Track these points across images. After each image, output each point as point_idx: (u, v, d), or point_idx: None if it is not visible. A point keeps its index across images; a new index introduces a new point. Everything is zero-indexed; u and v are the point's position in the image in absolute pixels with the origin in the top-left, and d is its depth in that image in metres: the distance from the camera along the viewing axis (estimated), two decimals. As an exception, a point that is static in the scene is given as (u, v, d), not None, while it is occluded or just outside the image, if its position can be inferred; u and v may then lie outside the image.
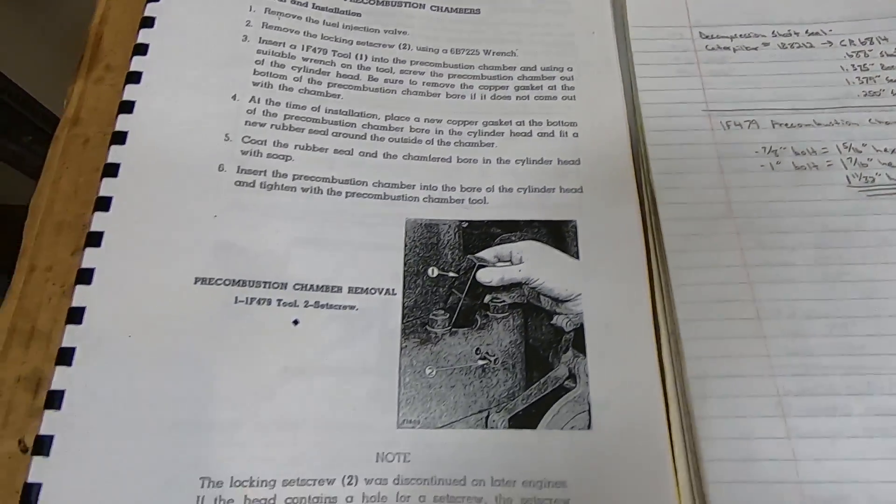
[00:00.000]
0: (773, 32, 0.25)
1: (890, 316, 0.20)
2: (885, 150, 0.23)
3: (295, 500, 0.18)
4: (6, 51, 0.54)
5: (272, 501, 0.17)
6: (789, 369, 0.20)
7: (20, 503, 0.17)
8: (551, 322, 0.20)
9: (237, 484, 0.17)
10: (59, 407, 0.18)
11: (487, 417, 0.19)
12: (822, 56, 0.25)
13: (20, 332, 0.22)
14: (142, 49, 0.22)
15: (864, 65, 0.24)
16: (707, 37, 0.25)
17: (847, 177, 0.22)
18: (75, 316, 0.18)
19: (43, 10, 0.58)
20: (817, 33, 0.25)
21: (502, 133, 0.23)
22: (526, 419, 0.19)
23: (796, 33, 0.25)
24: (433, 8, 0.25)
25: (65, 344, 0.18)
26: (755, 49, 0.25)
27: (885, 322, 0.20)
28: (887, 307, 0.20)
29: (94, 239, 0.19)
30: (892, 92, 0.24)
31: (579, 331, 0.20)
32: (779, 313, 0.20)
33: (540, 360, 0.20)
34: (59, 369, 0.18)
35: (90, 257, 0.19)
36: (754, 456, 0.18)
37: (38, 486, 0.17)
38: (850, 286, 0.20)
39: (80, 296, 0.19)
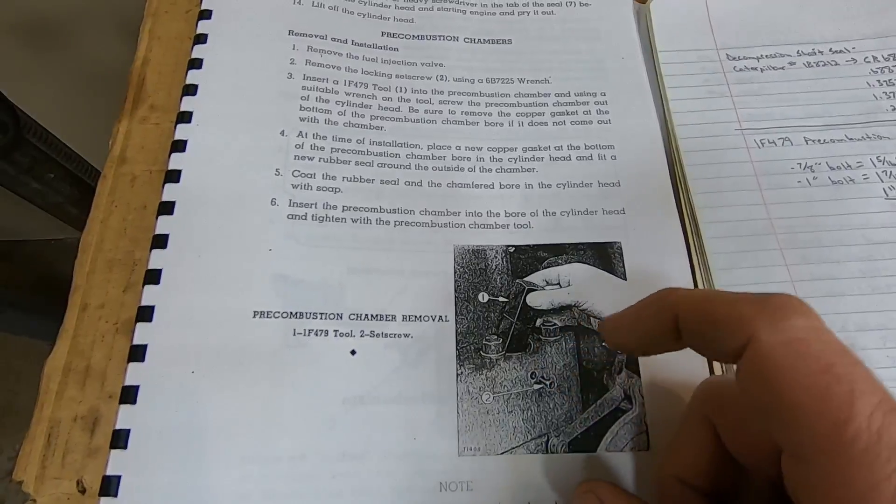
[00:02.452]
0: (797, 52, 0.26)
1: (942, 327, 0.20)
2: (920, 162, 0.23)
3: (363, 533, 0.17)
4: (28, 90, 0.55)
5: (340, 536, 0.17)
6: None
7: (90, 545, 0.17)
8: (603, 344, 0.21)
9: (304, 518, 0.17)
10: (124, 446, 0.18)
11: (547, 442, 0.19)
12: (847, 73, 0.25)
13: (75, 371, 0.22)
14: (191, 90, 0.23)
15: (890, 80, 0.25)
16: (734, 58, 0.26)
17: (884, 189, 0.23)
18: (137, 354, 0.19)
19: (62, 49, 0.60)
20: (841, 51, 0.26)
21: (542, 158, 0.24)
22: (585, 442, 0.19)
23: (820, 52, 0.26)
24: (466, 40, 0.26)
25: (128, 382, 0.18)
26: (782, 68, 0.25)
27: (938, 333, 0.20)
28: (938, 318, 0.20)
29: (153, 276, 0.20)
30: (920, 106, 0.24)
31: (632, 351, 0.20)
32: (830, 327, 0.20)
33: (595, 383, 0.20)
34: (123, 408, 0.18)
35: (149, 294, 0.20)
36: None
37: (109, 526, 0.17)
38: (897, 298, 0.21)
39: (142, 333, 0.19)
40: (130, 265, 0.23)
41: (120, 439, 0.18)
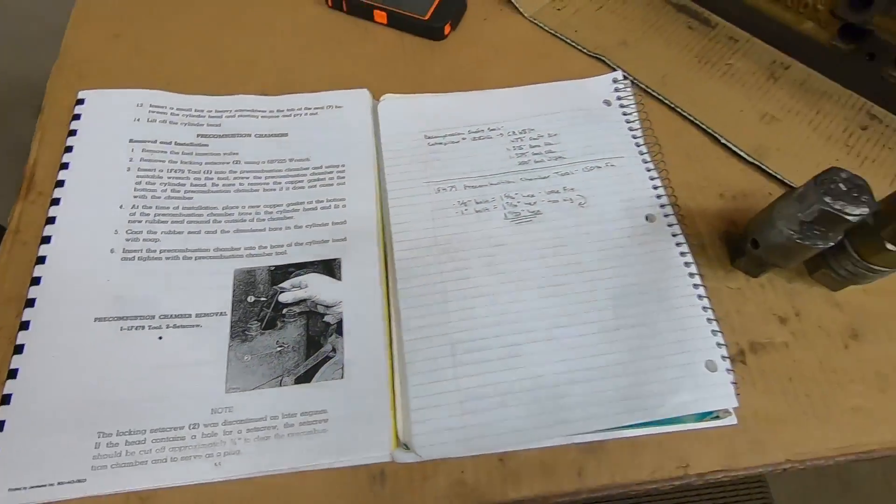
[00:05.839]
0: (468, 131, 0.41)
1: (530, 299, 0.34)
2: (527, 195, 0.38)
3: (161, 438, 0.30)
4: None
5: (143, 441, 0.29)
6: (460, 335, 0.34)
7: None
8: (323, 319, 0.34)
9: (120, 434, 0.29)
10: None
11: (281, 380, 0.32)
12: (497, 144, 0.40)
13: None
14: (61, 183, 0.36)
15: (519, 146, 0.40)
16: (430, 137, 0.41)
17: (504, 213, 0.37)
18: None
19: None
20: (495, 128, 0.41)
21: (298, 209, 0.37)
22: (305, 378, 0.32)
23: (481, 130, 0.41)
24: (256, 136, 0.40)
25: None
26: (456, 142, 0.40)
27: (528, 303, 0.34)
28: (527, 295, 0.34)
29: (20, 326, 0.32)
30: (534, 161, 0.40)
31: (340, 323, 0.34)
32: (458, 295, 0.34)
33: (315, 344, 0.33)
34: None
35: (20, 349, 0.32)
36: (438, 391, 0.32)
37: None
38: (506, 278, 0.35)
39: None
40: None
41: None
